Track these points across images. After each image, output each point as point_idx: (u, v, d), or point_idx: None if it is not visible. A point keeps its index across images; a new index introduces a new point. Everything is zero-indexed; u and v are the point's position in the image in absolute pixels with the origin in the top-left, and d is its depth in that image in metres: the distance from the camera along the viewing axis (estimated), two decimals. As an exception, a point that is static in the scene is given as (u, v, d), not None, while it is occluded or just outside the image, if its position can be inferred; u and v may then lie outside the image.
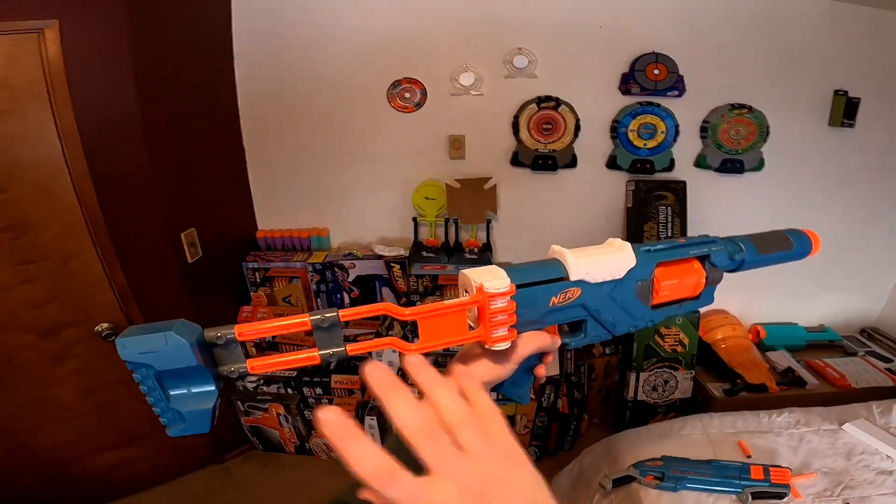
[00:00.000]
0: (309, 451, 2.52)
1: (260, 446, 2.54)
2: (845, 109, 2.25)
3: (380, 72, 2.32)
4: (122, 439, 2.14)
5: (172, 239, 2.03)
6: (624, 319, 0.60)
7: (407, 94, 2.33)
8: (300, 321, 0.45)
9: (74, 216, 1.74)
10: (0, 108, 1.58)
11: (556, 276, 0.55)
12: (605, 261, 0.56)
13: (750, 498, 1.50)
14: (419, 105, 2.35)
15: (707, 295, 0.65)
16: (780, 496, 1.51)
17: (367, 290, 2.50)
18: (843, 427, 1.82)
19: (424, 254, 2.44)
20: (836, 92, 2.25)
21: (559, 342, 0.61)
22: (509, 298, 0.50)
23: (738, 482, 1.54)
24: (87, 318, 1.88)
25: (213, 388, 0.45)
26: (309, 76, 2.34)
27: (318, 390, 2.37)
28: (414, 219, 2.49)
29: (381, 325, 2.36)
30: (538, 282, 0.54)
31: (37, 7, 1.55)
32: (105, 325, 1.89)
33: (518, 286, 0.52)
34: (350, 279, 2.47)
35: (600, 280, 0.56)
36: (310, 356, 0.47)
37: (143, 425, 2.15)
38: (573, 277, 0.55)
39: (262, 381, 2.36)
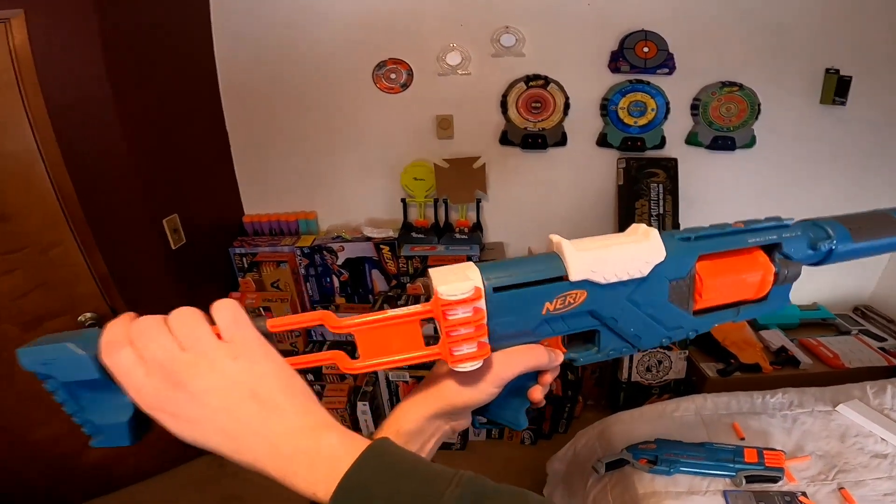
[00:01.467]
0: (302, 437, 2.50)
1: (253, 434, 2.52)
2: (837, 87, 2.22)
3: (365, 52, 2.27)
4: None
5: (154, 226, 2.00)
6: (652, 330, 0.47)
7: (393, 75, 2.28)
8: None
9: (52, 205, 1.70)
10: None
11: (549, 275, 0.43)
12: (620, 255, 0.44)
13: (744, 482, 1.49)
14: (405, 86, 2.30)
15: (779, 296, 0.49)
16: (775, 479, 1.50)
17: (357, 272, 2.48)
18: (836, 408, 1.81)
19: (414, 235, 2.41)
20: (827, 70, 2.22)
21: (560, 358, 0.49)
22: (476, 306, 0.41)
23: (731, 465, 1.53)
24: (71, 308, 1.85)
25: (126, 400, 0.40)
26: (292, 57, 2.28)
27: (310, 376, 2.35)
28: (403, 200, 2.46)
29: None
30: (523, 283, 0.43)
31: None
32: (88, 314, 1.86)
33: (497, 289, 0.42)
34: (339, 262, 2.44)
35: (614, 280, 0.44)
36: None
37: (139, 416, 2.14)
38: (574, 277, 0.43)
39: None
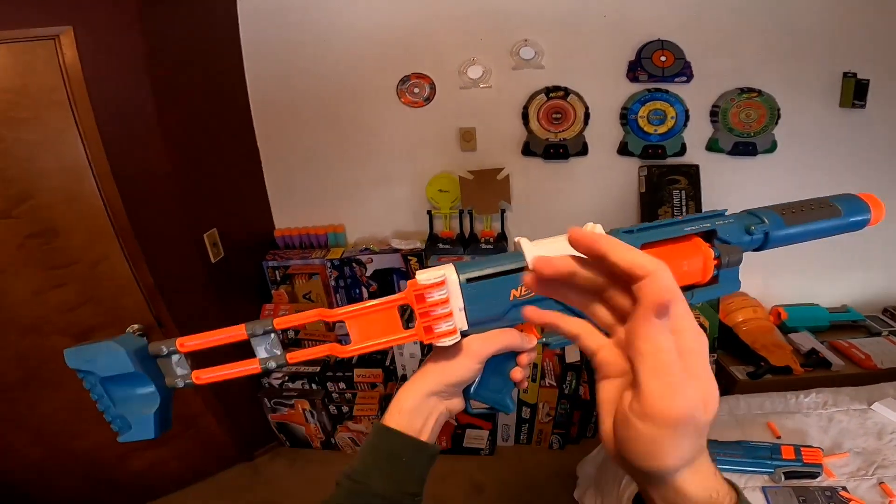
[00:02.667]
0: (335, 446, 2.55)
1: (287, 442, 2.58)
2: (855, 91, 2.24)
3: (388, 67, 2.35)
4: (156, 439, 2.17)
5: (195, 240, 2.07)
6: None
7: (416, 89, 2.36)
8: (237, 333, 0.50)
9: (101, 220, 1.78)
10: (21, 116, 1.61)
11: (512, 266, 0.51)
12: (567, 247, 0.50)
13: (783, 478, 1.49)
14: (428, 99, 2.38)
15: (728, 279, 0.54)
16: (814, 475, 1.50)
17: (385, 283, 2.53)
18: (871, 406, 1.80)
19: (440, 246, 2.46)
20: (844, 74, 2.24)
21: (534, 341, 0.57)
22: (450, 290, 0.49)
23: (769, 462, 1.53)
24: (118, 320, 1.91)
25: (152, 389, 0.49)
26: (318, 74, 2.38)
27: (342, 385, 2.40)
28: (429, 211, 2.52)
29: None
30: (491, 274, 0.51)
31: (48, 14, 1.58)
32: (136, 326, 1.93)
33: (469, 279, 0.50)
34: (368, 274, 2.50)
35: None
36: (250, 367, 0.51)
37: (175, 425, 2.19)
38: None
39: (286, 378, 2.40)
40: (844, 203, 0.59)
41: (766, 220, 0.56)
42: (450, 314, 0.49)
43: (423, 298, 0.49)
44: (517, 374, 0.57)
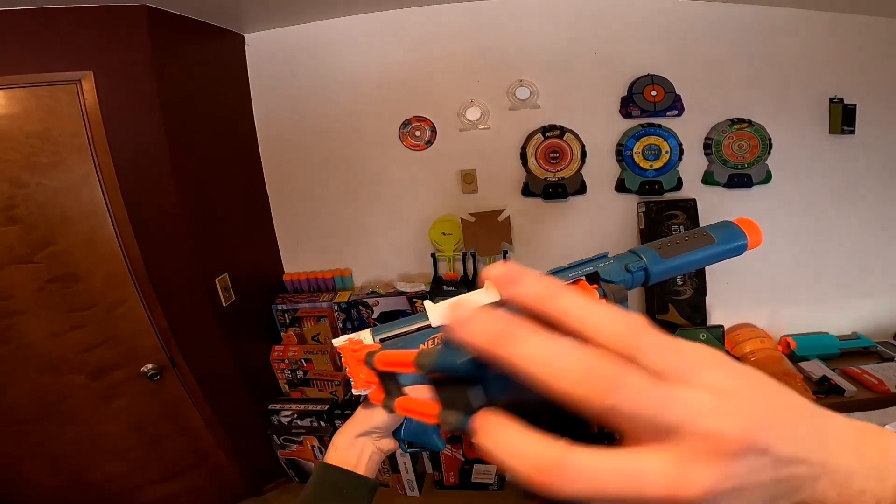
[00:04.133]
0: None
1: (296, 478, 2.58)
2: (843, 116, 2.28)
3: (390, 112, 2.45)
4: (167, 473, 2.22)
5: (208, 284, 2.14)
6: None
7: (417, 133, 2.46)
8: None
9: (118, 265, 1.87)
10: (45, 161, 1.69)
11: (418, 325, 0.58)
12: (464, 301, 0.51)
13: None
14: (430, 142, 2.47)
15: None
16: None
17: (391, 324, 2.57)
18: (885, 427, 1.77)
19: (445, 288, 2.51)
20: (830, 100, 2.30)
21: None
22: (357, 350, 0.56)
23: None
24: (134, 360, 1.99)
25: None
26: (323, 119, 2.49)
27: (348, 411, 2.41)
28: (433, 254, 2.58)
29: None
30: (400, 333, 0.58)
31: (69, 59, 1.66)
32: (150, 365, 2.00)
33: (383, 339, 0.58)
34: (375, 316, 2.55)
35: None
36: None
37: (187, 459, 2.24)
38: (434, 323, 0.56)
39: (296, 416, 2.42)
40: (719, 231, 0.63)
41: (644, 258, 0.60)
42: (360, 370, 0.56)
43: (348, 355, 0.56)
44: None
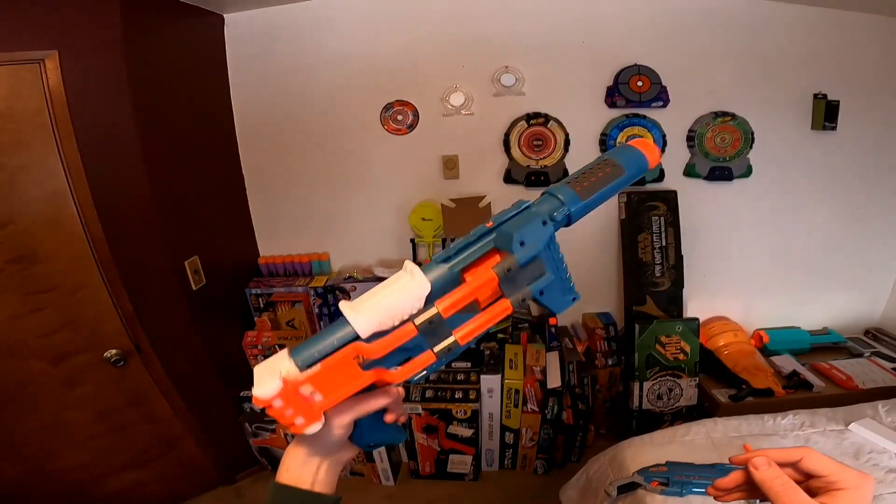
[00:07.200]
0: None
1: (269, 467, 2.56)
2: (826, 112, 2.30)
3: (372, 95, 2.39)
4: (135, 461, 2.17)
5: (176, 267, 2.08)
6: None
7: (399, 117, 2.41)
8: None
9: (81, 246, 1.79)
10: (6, 139, 1.61)
11: (346, 341, 0.50)
12: (393, 304, 0.50)
13: (759, 500, 1.48)
14: (412, 127, 2.42)
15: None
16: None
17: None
18: (849, 427, 1.81)
19: (422, 273, 2.47)
20: (815, 96, 2.30)
21: (393, 392, 0.58)
22: (291, 386, 0.48)
23: None
24: (97, 345, 1.92)
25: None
26: (303, 102, 2.42)
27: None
28: (412, 240, 2.54)
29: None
30: (327, 355, 0.49)
31: (34, 38, 1.59)
32: (114, 351, 1.93)
33: (308, 365, 0.49)
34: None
35: (399, 323, 0.50)
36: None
37: (155, 447, 2.19)
38: (366, 335, 0.50)
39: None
40: (624, 158, 0.61)
41: (564, 202, 0.56)
42: (299, 411, 0.49)
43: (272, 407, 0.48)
44: (389, 418, 0.60)
